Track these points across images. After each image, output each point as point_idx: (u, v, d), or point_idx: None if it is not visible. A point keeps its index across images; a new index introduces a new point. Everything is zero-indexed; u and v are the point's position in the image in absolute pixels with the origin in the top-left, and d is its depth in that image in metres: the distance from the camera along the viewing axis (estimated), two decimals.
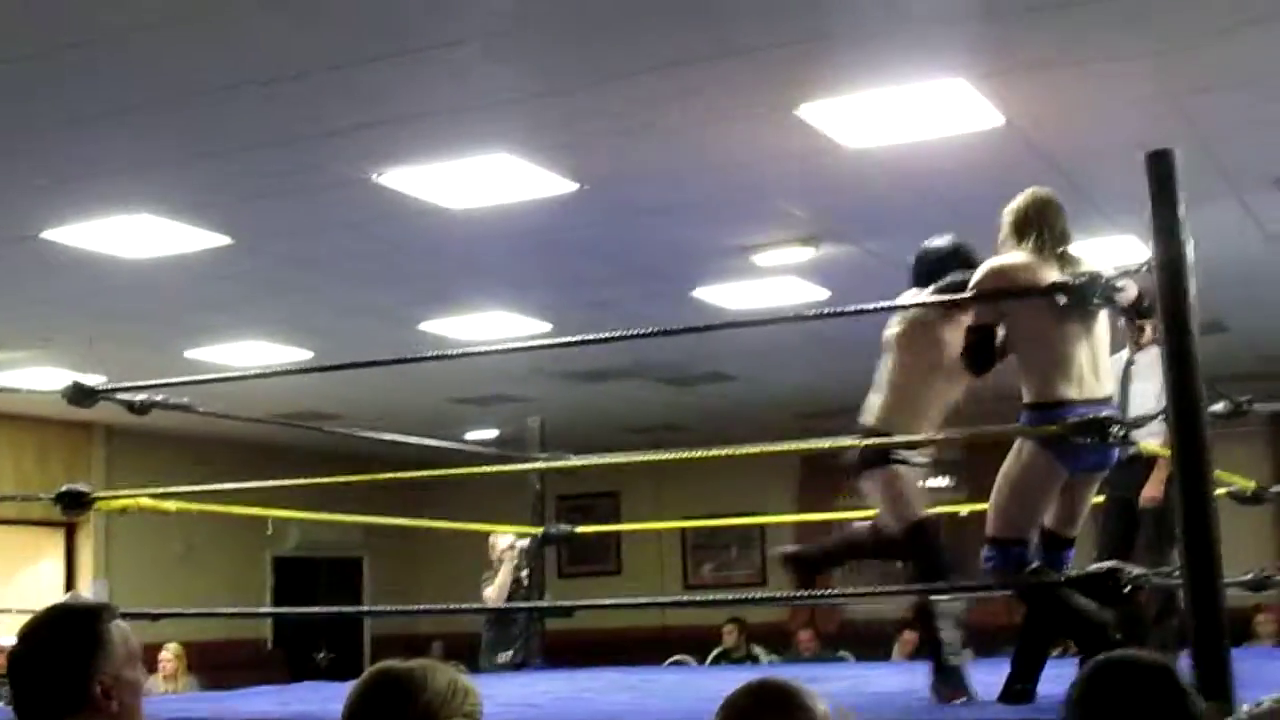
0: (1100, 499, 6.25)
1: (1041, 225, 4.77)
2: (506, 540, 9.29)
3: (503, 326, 10.04)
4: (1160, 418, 4.70)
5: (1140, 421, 5.23)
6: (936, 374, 5.12)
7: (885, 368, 5.22)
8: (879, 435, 5.07)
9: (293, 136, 6.27)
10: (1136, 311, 5.44)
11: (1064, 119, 6.39)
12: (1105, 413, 4.37)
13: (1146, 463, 6.60)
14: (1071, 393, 4.62)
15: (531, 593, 8.73)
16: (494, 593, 9.22)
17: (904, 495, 5.15)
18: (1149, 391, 6.17)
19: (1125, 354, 6.60)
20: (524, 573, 9.22)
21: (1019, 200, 4.84)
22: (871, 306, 4.81)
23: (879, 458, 5.10)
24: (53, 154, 6.44)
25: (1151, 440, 6.30)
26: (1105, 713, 2.52)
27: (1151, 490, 6.61)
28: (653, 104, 6.04)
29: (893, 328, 5.22)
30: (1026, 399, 4.72)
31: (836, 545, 5.90)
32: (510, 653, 9.17)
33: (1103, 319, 4.79)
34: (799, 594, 6.00)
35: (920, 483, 5.29)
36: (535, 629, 9.00)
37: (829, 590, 15.66)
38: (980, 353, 4.87)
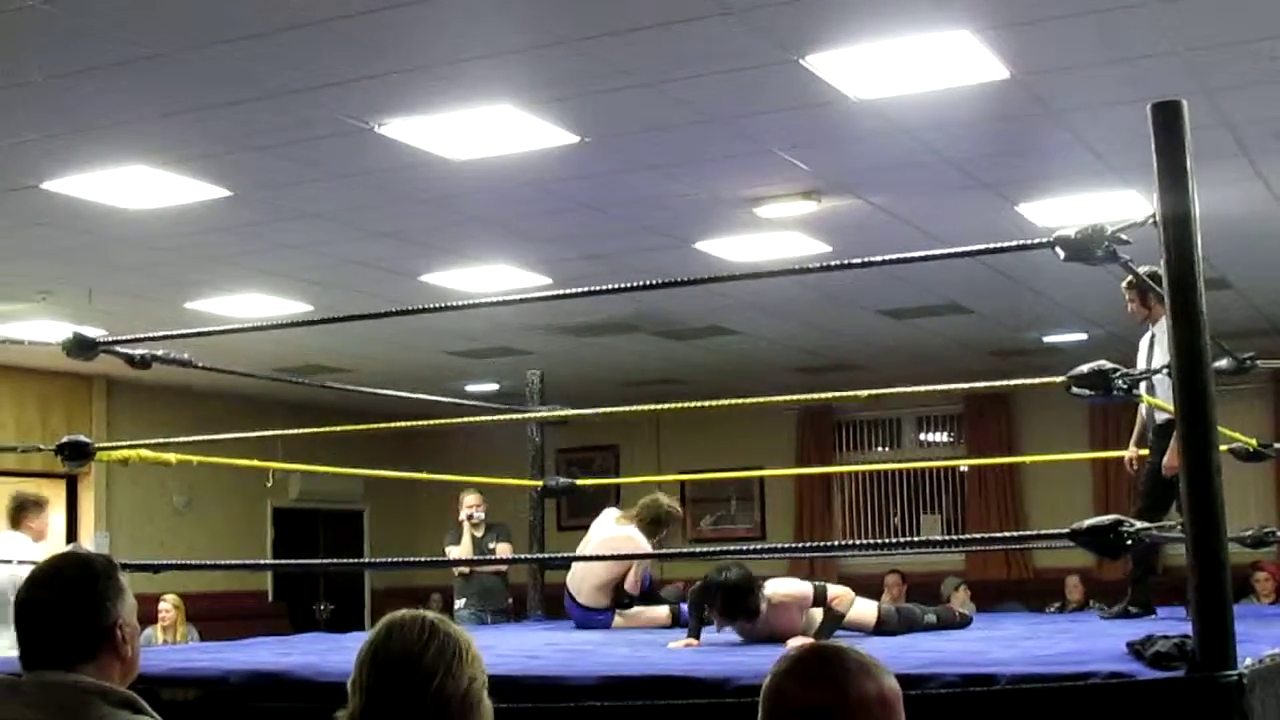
0: None
1: None
2: (466, 510, 9.61)
3: (503, 279, 10.01)
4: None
5: (1146, 375, 5.21)
6: None
7: None
8: None
9: (293, 88, 6.22)
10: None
11: (1068, 71, 6.35)
12: None
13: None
14: None
15: (531, 546, 8.74)
16: (457, 555, 9.74)
17: None
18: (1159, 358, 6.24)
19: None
20: (482, 538, 9.71)
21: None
22: (878, 260, 4.76)
23: None
24: (54, 106, 6.40)
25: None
26: None
27: (1171, 460, 6.44)
28: (654, 57, 6.00)
29: None
30: None
31: None
32: (464, 608, 9.52)
33: None
34: (798, 546, 6.00)
35: None
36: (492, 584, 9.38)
37: (828, 542, 15.79)
38: None
